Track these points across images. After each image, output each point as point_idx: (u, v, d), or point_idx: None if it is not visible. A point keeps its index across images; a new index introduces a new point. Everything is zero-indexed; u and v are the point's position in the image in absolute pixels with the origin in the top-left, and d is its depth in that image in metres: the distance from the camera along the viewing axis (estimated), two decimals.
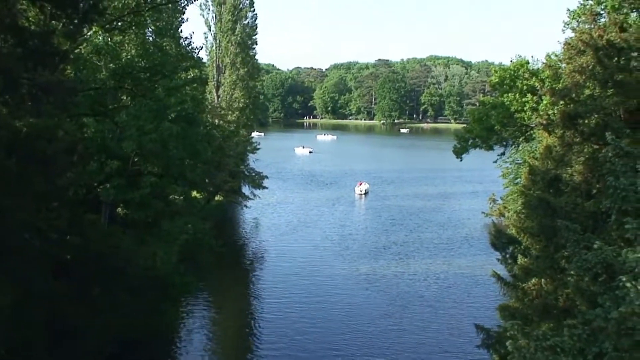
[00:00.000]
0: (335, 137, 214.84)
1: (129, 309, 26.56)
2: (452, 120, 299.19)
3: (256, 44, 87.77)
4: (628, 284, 13.65)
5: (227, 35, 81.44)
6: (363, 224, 74.94)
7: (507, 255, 32.90)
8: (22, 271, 20.58)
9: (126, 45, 39.08)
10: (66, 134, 21.78)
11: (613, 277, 15.15)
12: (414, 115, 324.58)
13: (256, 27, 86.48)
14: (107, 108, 37.01)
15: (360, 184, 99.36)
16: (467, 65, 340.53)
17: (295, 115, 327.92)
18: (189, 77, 45.00)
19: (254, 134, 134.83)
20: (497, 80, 50.42)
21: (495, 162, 63.11)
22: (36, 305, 21.37)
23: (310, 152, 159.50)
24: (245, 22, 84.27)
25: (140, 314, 27.80)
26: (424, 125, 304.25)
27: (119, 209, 42.40)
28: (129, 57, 38.04)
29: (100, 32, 35.50)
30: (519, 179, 60.38)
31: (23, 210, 20.83)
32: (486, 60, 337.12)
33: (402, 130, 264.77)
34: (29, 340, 20.93)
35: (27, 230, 21.89)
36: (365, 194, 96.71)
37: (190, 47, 45.29)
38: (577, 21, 36.70)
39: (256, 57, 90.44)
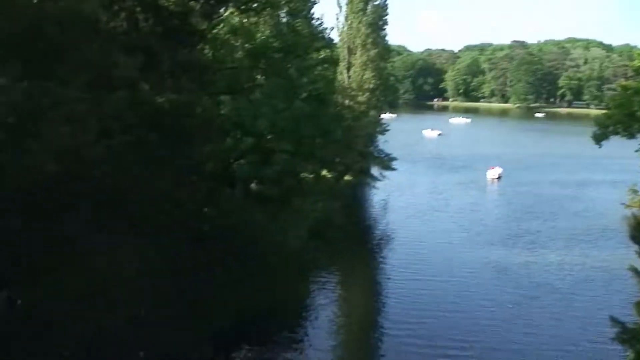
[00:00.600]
0: (469, 120, 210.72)
1: (261, 281, 27.34)
2: (592, 106, 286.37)
3: (387, 25, 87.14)
4: None
5: (358, 16, 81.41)
6: (494, 210, 73.36)
7: None
8: (161, 239, 21.64)
9: (261, 26, 40.05)
10: (204, 111, 22.61)
11: None
12: (551, 100, 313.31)
13: (387, 8, 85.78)
14: (242, 87, 38.11)
15: (493, 169, 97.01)
16: (608, 48, 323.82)
17: (425, 97, 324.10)
18: (320, 57, 45.53)
19: (386, 116, 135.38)
20: (639, 64, 48.12)
21: (637, 151, 59.92)
22: (173, 272, 22.41)
23: (439, 134, 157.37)
24: (376, 2, 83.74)
25: (271, 286, 28.55)
26: (561, 110, 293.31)
27: (253, 185, 43.55)
28: (263, 37, 38.99)
29: (236, 13, 36.54)
30: None
31: (163, 181, 21.86)
32: (628, 44, 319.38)
33: (537, 115, 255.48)
34: (165, 305, 21.98)
35: (167, 201, 22.94)
36: (498, 178, 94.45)
37: (321, 28, 45.94)
38: None
39: (387, 38, 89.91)
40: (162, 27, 23.70)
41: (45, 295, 20.04)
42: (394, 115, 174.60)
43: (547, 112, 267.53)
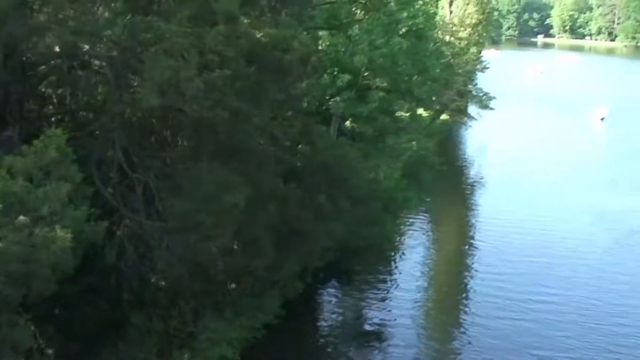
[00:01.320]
0: (579, 58, 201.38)
1: (351, 218, 27.54)
2: None
3: None
4: None
5: None
6: (597, 154, 70.86)
7: None
8: (256, 173, 22.02)
9: None
10: (301, 46, 22.56)
11: None
12: None
13: None
14: (341, 22, 37.78)
15: (598, 109, 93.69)
16: None
17: (530, 33, 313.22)
18: None
19: (490, 52, 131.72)
20: None
21: None
22: (267, 206, 22.85)
23: (541, 72, 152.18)
24: None
25: (361, 224, 28.74)
26: None
27: (347, 123, 43.64)
28: None
29: None
30: None
31: (259, 116, 22.11)
32: None
33: None
34: (260, 237, 22.49)
35: (262, 135, 23.25)
36: (602, 119, 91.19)
37: None
38: None
39: None
40: None
41: (144, 223, 20.88)
42: (498, 52, 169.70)
43: None
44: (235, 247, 23.16)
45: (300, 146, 27.19)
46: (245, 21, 22.83)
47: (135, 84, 20.37)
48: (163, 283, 22.75)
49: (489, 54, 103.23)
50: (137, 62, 20.00)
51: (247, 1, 22.84)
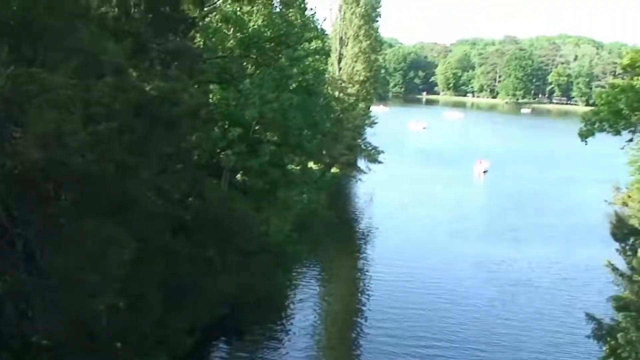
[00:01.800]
0: (462, 115, 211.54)
1: (242, 273, 27.31)
2: (580, 102, 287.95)
3: (380, 17, 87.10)
4: None
5: (351, 7, 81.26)
6: (479, 205, 73.76)
7: (627, 247, 31.65)
8: (144, 228, 21.54)
9: (253, 15, 39.89)
10: (191, 98, 22.49)
11: None
12: (539, 95, 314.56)
13: (380, 0, 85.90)
14: (232, 76, 37.96)
15: (481, 162, 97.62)
16: (599, 45, 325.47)
17: (415, 90, 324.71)
18: (312, 48, 45.38)
19: (378, 108, 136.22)
20: (628, 62, 47.86)
21: (622, 148, 59.86)
22: (155, 261, 22.34)
23: (424, 127, 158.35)
24: None
25: (252, 278, 28.52)
26: (549, 106, 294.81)
27: (238, 176, 43.49)
28: (255, 26, 38.83)
29: (229, 1, 36.38)
30: None
31: (148, 169, 21.74)
32: (618, 41, 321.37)
33: (523, 110, 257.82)
34: (147, 294, 21.91)
35: (151, 189, 22.85)
36: (484, 172, 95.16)
37: (314, 18, 45.78)
38: None
39: (379, 30, 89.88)
40: (153, 13, 23.52)
41: (26, 281, 19.97)
42: (386, 108, 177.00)
43: (534, 108, 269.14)
44: (122, 304, 22.44)
45: (189, 200, 26.86)
46: (134, 73, 22.59)
47: (18, 135, 19.68)
48: (45, 342, 21.71)
49: (377, 110, 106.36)
50: (20, 113, 19.36)
51: (136, 53, 22.63)
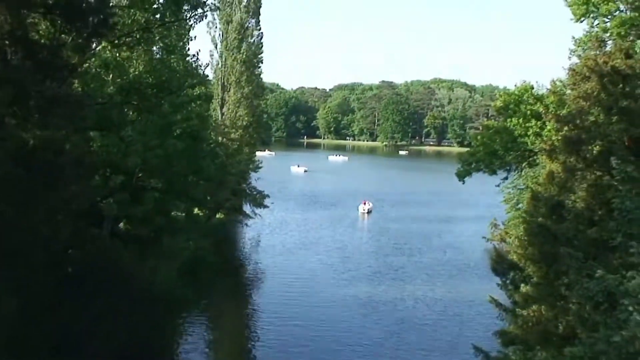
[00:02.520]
0: (347, 158, 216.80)
1: (129, 323, 26.64)
2: (455, 144, 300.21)
3: (261, 63, 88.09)
4: (630, 308, 13.79)
5: (232, 54, 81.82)
6: (364, 246, 74.83)
7: (508, 281, 32.78)
8: (26, 279, 20.76)
9: (134, 61, 39.45)
10: (74, 147, 21.99)
11: (615, 306, 15.26)
12: (417, 138, 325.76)
13: (262, 46, 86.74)
14: (113, 123, 37.27)
15: (365, 203, 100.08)
16: (471, 88, 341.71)
17: (297, 134, 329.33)
18: (195, 94, 45.25)
19: (265, 153, 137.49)
20: (501, 104, 50.36)
21: (498, 186, 62.87)
22: (40, 312, 21.53)
23: (305, 170, 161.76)
24: (251, 40, 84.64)
25: (140, 327, 27.86)
26: (427, 147, 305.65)
27: (122, 224, 42.57)
28: (136, 72, 38.41)
29: (108, 47, 35.85)
30: (521, 204, 60.31)
31: (28, 220, 21.03)
32: (490, 84, 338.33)
33: (401, 152, 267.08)
34: (32, 346, 21.05)
35: (32, 240, 22.06)
36: (368, 212, 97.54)
37: (197, 64, 45.77)
38: (583, 48, 37.02)
39: (261, 75, 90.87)
40: (32, 60, 22.93)
41: None
42: (272, 153, 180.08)
43: (410, 150, 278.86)
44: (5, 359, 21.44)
45: (72, 250, 26.10)
46: (13, 122, 21.91)
47: None
48: None
49: (263, 155, 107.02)
50: None
51: (14, 100, 21.96)
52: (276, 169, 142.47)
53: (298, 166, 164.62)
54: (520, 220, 41.40)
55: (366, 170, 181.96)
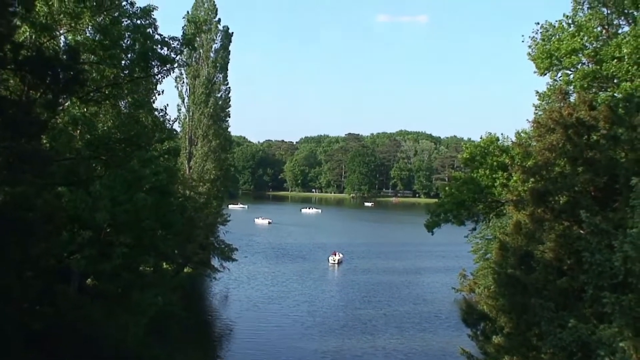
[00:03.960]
0: (320, 210, 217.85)
1: None
2: (422, 195, 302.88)
3: (229, 117, 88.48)
4: (607, 358, 13.95)
5: (200, 108, 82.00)
6: (333, 299, 74.47)
7: (479, 332, 32.89)
8: None
9: (102, 116, 39.41)
10: (45, 203, 21.86)
11: (589, 356, 15.42)
12: (384, 189, 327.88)
13: (229, 100, 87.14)
14: (81, 178, 37.02)
15: (335, 254, 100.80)
16: (437, 140, 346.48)
17: (264, 187, 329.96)
18: (164, 148, 45.20)
19: (238, 207, 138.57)
20: (467, 155, 50.64)
21: (466, 237, 62.98)
22: None
23: (269, 222, 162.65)
24: (219, 95, 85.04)
25: None
26: (393, 199, 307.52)
27: (89, 280, 42.03)
28: (105, 128, 38.33)
29: (77, 103, 35.85)
30: (489, 254, 60.82)
31: None
32: (455, 136, 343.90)
33: (366, 204, 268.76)
34: None
35: (1, 297, 21.75)
36: (339, 263, 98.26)
37: (164, 118, 45.75)
38: (547, 102, 37.86)
39: (228, 129, 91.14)
40: (1, 116, 22.90)
41: None
42: (245, 206, 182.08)
43: (374, 202, 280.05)
44: None
45: (40, 307, 25.69)
46: None
47: None
48: None
49: (234, 208, 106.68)
50: None
51: None
52: (246, 222, 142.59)
53: (262, 218, 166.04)
54: (489, 271, 41.78)
55: (337, 222, 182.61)
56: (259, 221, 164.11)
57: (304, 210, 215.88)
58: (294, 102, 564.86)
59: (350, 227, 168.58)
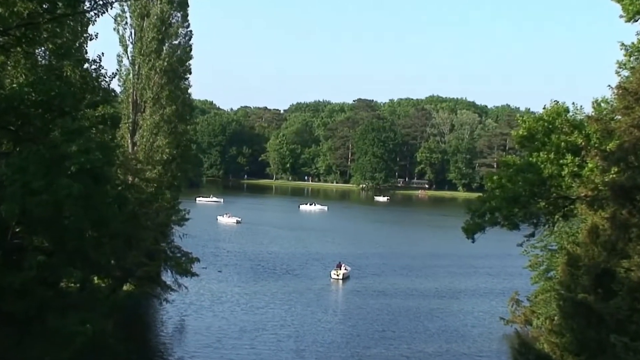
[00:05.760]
0: (325, 208, 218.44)
1: None
2: (459, 187, 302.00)
3: (190, 74, 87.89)
4: None
5: (149, 60, 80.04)
6: (331, 332, 73.87)
7: None
8: None
9: (10, 69, 39.29)
10: None
11: None
12: (406, 178, 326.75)
13: (191, 50, 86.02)
14: None
15: (340, 266, 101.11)
16: (482, 110, 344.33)
17: (240, 173, 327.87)
18: (96, 115, 45.03)
19: (211, 200, 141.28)
20: (524, 133, 50.27)
21: (521, 245, 62.06)
22: None
23: (237, 221, 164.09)
24: (176, 42, 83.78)
25: None
26: (419, 192, 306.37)
27: None
28: (14, 85, 38.16)
29: None
30: (552, 272, 60.82)
31: None
32: (507, 105, 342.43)
33: (378, 199, 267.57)
34: None
35: None
36: (343, 279, 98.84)
37: (99, 73, 45.50)
38: (636, 58, 37.70)
39: (189, 91, 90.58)
40: None
41: None
42: (220, 200, 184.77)
43: (395, 195, 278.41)
44: None
45: None
46: None
47: None
48: None
49: (203, 201, 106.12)
50: None
51: None
52: (212, 222, 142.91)
53: (228, 216, 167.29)
54: (553, 295, 41.70)
55: (344, 222, 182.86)
56: (224, 219, 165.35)
57: (303, 208, 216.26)
58: (283, 54, 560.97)
59: (360, 230, 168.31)
